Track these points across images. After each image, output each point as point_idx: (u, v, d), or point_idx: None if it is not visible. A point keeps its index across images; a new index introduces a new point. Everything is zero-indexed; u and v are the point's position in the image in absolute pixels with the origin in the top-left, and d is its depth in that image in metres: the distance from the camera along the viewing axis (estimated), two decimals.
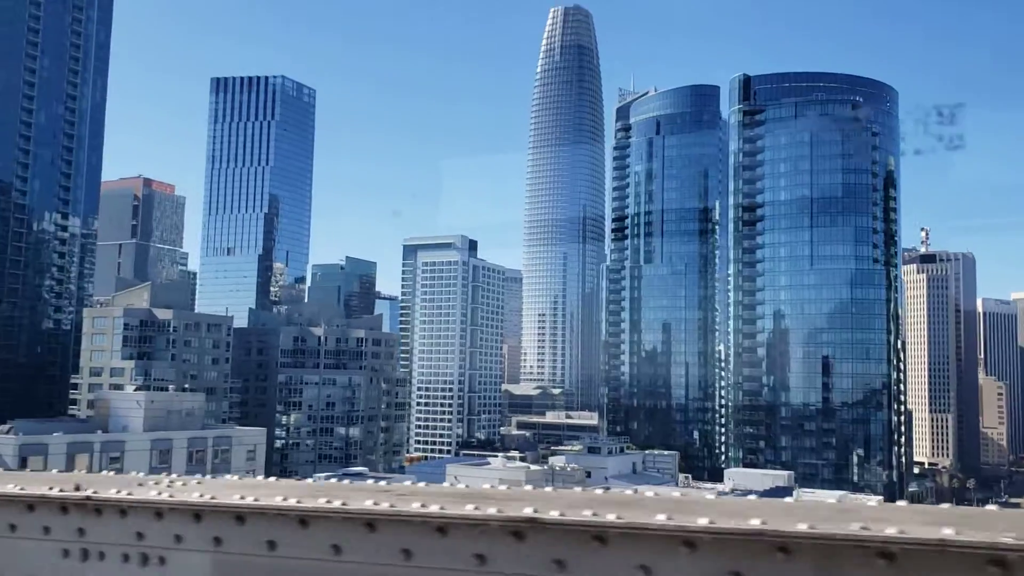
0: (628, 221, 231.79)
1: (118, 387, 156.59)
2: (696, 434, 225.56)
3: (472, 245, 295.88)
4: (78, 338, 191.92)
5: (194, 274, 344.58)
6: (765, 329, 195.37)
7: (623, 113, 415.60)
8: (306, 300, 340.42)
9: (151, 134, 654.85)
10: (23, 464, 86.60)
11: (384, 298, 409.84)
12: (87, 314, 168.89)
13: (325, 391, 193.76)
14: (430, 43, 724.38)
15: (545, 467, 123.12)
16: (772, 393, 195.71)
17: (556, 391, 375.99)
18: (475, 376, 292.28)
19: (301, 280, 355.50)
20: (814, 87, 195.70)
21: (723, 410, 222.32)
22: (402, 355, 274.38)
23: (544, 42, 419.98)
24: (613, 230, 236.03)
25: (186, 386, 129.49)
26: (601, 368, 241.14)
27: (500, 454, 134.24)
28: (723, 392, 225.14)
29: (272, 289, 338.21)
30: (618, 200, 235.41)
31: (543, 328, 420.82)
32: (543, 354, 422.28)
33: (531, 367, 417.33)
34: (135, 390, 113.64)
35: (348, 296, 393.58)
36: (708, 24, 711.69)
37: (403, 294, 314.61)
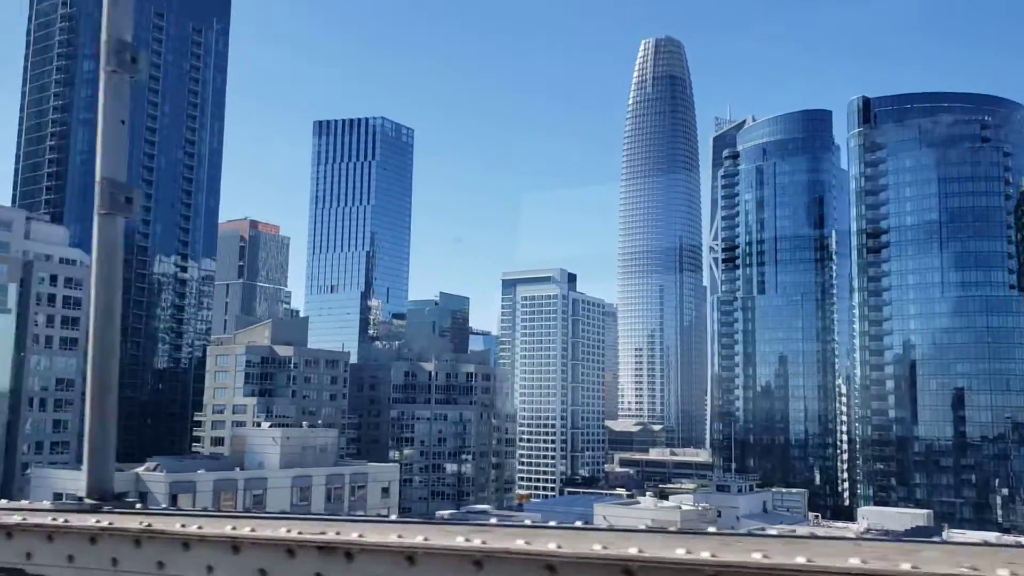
0: (739, 251, 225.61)
1: (241, 424, 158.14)
2: (816, 471, 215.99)
3: (571, 279, 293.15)
4: (198, 376, 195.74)
5: (297, 312, 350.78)
6: (894, 360, 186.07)
7: (721, 142, 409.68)
8: (404, 336, 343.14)
9: (255, 176, 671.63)
10: (174, 501, 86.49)
11: (477, 333, 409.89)
12: (211, 351, 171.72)
13: (436, 426, 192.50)
14: (523, 78, 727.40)
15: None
16: (903, 427, 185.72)
17: (657, 427, 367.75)
18: (577, 412, 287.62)
19: (401, 316, 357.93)
20: (937, 107, 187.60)
21: (845, 445, 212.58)
22: None
23: (636, 73, 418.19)
24: (723, 260, 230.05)
25: (319, 422, 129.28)
26: (715, 403, 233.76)
27: (649, 494, 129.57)
28: (845, 427, 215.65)
29: (370, 326, 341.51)
30: (727, 229, 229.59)
31: (640, 362, 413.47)
32: (640, 389, 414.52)
33: (628, 402, 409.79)
34: (270, 426, 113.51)
35: (442, 332, 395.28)
36: (800, 52, 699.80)
37: (502, 329, 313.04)
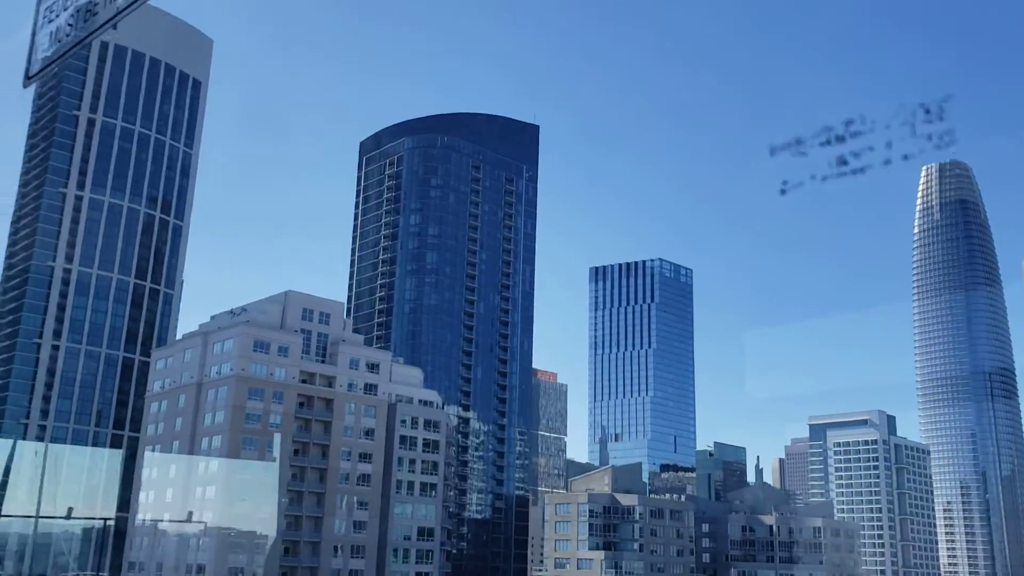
0: None
1: None
2: None
3: (891, 422, 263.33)
4: (519, 528, 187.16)
5: (571, 462, 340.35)
6: None
7: None
8: (690, 488, 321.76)
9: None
10: None
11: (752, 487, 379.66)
12: (549, 500, 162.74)
13: None
14: (793, 217, 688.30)
15: None
16: None
17: None
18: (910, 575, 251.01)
19: (677, 468, 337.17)
20: None
21: None
22: None
23: (919, 200, 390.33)
24: None
25: None
26: None
27: None
28: None
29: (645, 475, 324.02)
30: None
31: (951, 517, 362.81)
32: (954, 549, 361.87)
33: (942, 564, 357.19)
34: None
35: (716, 485, 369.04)
36: None
37: (811, 478, 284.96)
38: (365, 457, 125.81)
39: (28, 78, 10.85)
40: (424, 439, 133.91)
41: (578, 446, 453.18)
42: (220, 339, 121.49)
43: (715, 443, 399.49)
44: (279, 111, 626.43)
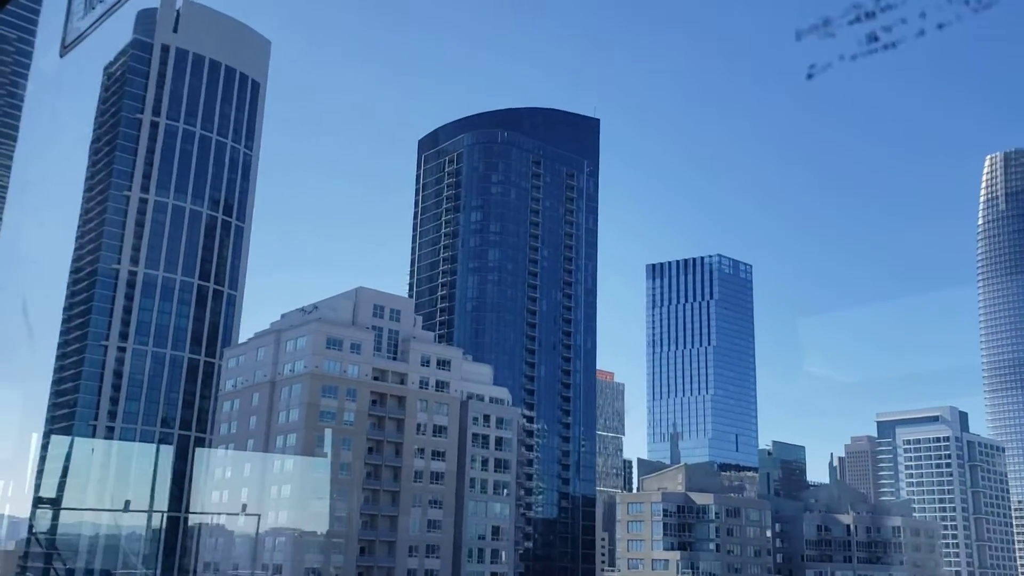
0: None
1: None
2: None
3: (963, 418, 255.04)
4: (586, 528, 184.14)
5: (630, 462, 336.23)
6: None
7: None
8: (749, 487, 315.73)
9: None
10: None
11: (816, 486, 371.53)
12: (621, 499, 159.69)
13: None
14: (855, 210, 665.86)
15: None
16: None
17: None
18: None
19: (749, 468, 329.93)
20: None
21: None
22: None
23: (983, 191, 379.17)
24: None
25: None
26: None
27: None
28: None
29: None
30: None
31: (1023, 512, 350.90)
32: None
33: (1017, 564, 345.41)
34: None
35: (775, 485, 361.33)
36: None
37: (879, 476, 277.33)
38: (438, 455, 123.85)
39: (64, 47, 10.92)
40: (497, 437, 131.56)
41: (634, 445, 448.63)
42: (293, 336, 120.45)
43: (773, 442, 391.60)
44: (335, 111, 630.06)
